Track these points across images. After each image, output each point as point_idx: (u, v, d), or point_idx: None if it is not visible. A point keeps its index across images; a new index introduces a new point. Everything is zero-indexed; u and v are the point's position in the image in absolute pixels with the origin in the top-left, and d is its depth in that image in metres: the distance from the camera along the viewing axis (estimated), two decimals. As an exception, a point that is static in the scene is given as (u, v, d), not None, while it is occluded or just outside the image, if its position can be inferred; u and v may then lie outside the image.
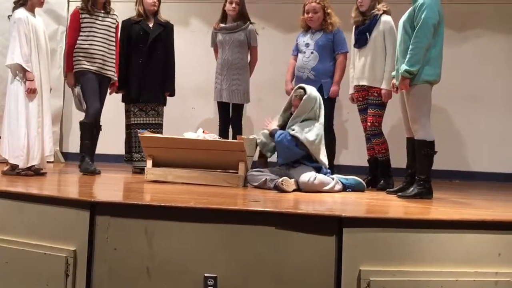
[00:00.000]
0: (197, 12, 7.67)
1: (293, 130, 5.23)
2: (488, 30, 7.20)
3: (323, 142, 5.32)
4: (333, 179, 5.20)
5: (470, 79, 7.17)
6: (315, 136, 5.22)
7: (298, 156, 5.25)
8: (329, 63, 5.94)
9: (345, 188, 5.24)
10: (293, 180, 5.02)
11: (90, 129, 5.91)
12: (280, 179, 4.93)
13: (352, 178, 5.33)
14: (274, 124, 5.44)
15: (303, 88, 5.40)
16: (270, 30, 7.45)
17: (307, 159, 5.25)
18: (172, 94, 6.50)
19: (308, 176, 5.03)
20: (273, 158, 5.58)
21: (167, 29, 6.43)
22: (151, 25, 6.36)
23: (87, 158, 5.84)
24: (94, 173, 5.74)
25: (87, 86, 5.88)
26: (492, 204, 4.73)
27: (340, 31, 5.96)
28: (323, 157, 5.30)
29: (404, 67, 4.65)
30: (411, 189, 4.76)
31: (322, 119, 5.37)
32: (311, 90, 5.40)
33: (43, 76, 5.47)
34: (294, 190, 4.97)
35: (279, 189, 4.88)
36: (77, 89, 5.89)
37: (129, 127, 6.39)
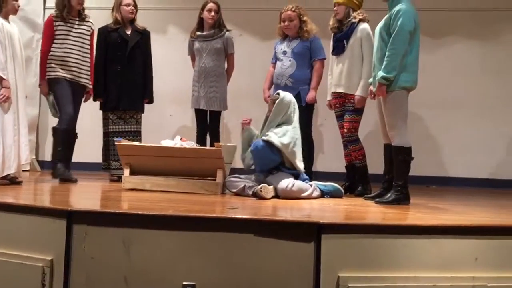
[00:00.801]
0: (174, 19, 7.67)
1: (266, 135, 5.24)
2: (463, 37, 7.29)
3: (298, 146, 5.33)
4: (311, 185, 5.21)
5: (445, 85, 7.24)
6: (289, 139, 5.22)
7: (275, 163, 5.24)
8: (307, 70, 5.98)
9: (323, 194, 5.25)
10: (271, 187, 5.02)
11: (63, 136, 5.86)
12: (259, 186, 4.93)
13: (330, 185, 5.35)
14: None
15: (278, 93, 5.44)
16: (247, 37, 7.47)
17: (284, 165, 5.26)
18: (150, 101, 6.48)
19: (286, 183, 5.03)
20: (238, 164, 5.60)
21: (144, 36, 6.42)
22: (128, 32, 6.33)
23: (60, 164, 5.79)
24: (70, 179, 5.70)
25: (60, 92, 5.83)
26: (468, 209, 4.77)
27: (317, 38, 6.00)
28: (299, 162, 5.31)
29: (380, 73, 4.68)
30: (389, 195, 4.79)
31: (296, 123, 5.38)
32: (285, 94, 5.43)
33: (18, 84, 5.42)
34: (272, 197, 4.97)
35: (257, 196, 4.88)
36: (51, 97, 5.84)
37: (107, 135, 6.35)
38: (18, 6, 5.58)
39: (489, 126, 7.17)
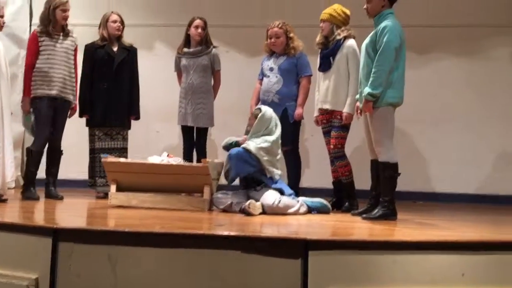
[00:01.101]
0: (161, 36, 7.67)
1: (245, 144, 5.30)
2: (449, 53, 7.33)
3: (275, 155, 5.36)
4: (298, 201, 5.20)
5: (432, 101, 7.27)
6: (266, 144, 5.27)
7: (250, 167, 5.26)
8: (293, 86, 5.99)
9: (311, 210, 5.25)
10: (259, 203, 5.01)
11: (37, 157, 5.81)
12: (247, 203, 4.92)
13: (318, 201, 5.35)
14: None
15: (259, 108, 5.47)
16: (234, 54, 7.47)
17: (262, 172, 5.27)
18: (137, 118, 6.46)
19: (273, 199, 5.03)
20: (236, 181, 5.58)
21: (131, 53, 6.42)
22: (115, 49, 6.33)
23: (30, 186, 5.75)
24: (36, 200, 5.64)
25: (40, 113, 5.77)
26: (455, 224, 4.78)
27: (303, 54, 6.02)
28: (276, 170, 5.33)
29: (367, 90, 4.70)
30: (376, 210, 4.79)
31: (276, 135, 5.40)
32: (267, 109, 5.48)
33: (3, 101, 5.37)
34: (260, 213, 4.96)
35: (245, 212, 4.87)
36: (33, 117, 5.79)
37: (93, 152, 6.31)
38: (4, 23, 5.56)
39: (476, 142, 7.21)
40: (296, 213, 5.11)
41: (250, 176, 5.35)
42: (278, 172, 5.39)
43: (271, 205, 5.00)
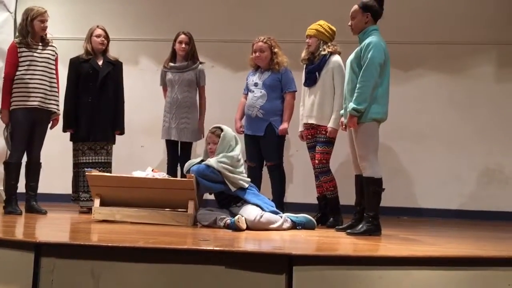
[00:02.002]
0: (146, 50, 7.67)
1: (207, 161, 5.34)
2: (432, 70, 7.40)
3: (238, 167, 5.38)
4: (281, 217, 5.20)
5: (415, 117, 7.33)
6: (225, 159, 5.29)
7: (216, 187, 5.30)
8: (278, 101, 6.00)
9: (296, 225, 5.24)
10: (244, 218, 5.00)
11: (15, 170, 5.75)
12: (236, 217, 4.91)
13: (302, 216, 5.35)
14: None
15: (219, 127, 5.48)
16: (219, 69, 7.49)
17: (228, 187, 5.28)
18: (122, 132, 6.43)
19: (254, 214, 5.03)
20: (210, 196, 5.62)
21: (116, 67, 6.39)
22: (100, 63, 6.30)
23: (12, 200, 5.71)
24: (18, 214, 5.59)
25: (17, 124, 5.72)
26: (439, 240, 4.78)
27: (287, 70, 6.04)
28: (242, 181, 5.34)
29: (351, 105, 4.72)
30: (360, 226, 4.79)
31: (237, 151, 5.42)
32: (227, 128, 5.51)
33: None
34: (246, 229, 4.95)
35: (233, 227, 4.86)
36: (6, 132, 5.74)
37: (77, 166, 6.26)
38: None
39: (459, 158, 7.26)
40: (279, 228, 5.10)
41: (224, 194, 5.36)
42: (246, 179, 5.39)
43: (253, 220, 5.00)
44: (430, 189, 7.29)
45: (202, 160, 5.46)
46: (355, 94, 4.74)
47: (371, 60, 4.72)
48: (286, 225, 5.18)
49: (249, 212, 5.07)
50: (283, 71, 6.01)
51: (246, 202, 5.22)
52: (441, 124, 7.34)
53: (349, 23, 4.96)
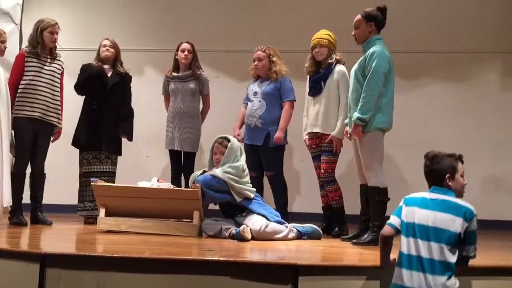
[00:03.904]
0: (152, 61, 7.69)
1: (213, 171, 5.33)
2: (437, 78, 7.39)
3: (243, 177, 5.38)
4: (286, 227, 5.19)
5: (420, 126, 7.31)
6: (230, 169, 5.30)
7: (222, 198, 5.31)
8: (277, 111, 5.99)
9: (301, 235, 5.23)
10: (249, 228, 4.99)
11: (20, 179, 5.76)
12: (241, 227, 4.91)
13: (309, 226, 5.33)
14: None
15: (226, 138, 5.49)
16: (223, 79, 7.50)
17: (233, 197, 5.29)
18: (130, 138, 6.38)
19: (260, 224, 5.02)
20: (215, 206, 5.62)
21: (125, 79, 6.37)
22: (109, 74, 6.30)
23: (18, 211, 5.71)
24: (24, 225, 5.61)
25: (20, 133, 5.73)
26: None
27: (287, 79, 6.03)
28: (247, 191, 5.35)
29: (356, 114, 4.72)
30: (365, 235, 4.78)
31: (242, 162, 5.43)
32: (233, 139, 5.53)
33: (3, 124, 5.36)
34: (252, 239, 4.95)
35: (238, 237, 4.85)
36: (12, 137, 5.73)
37: (83, 176, 6.26)
38: (5, 48, 5.59)
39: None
40: (284, 238, 5.09)
41: (229, 204, 5.36)
42: (251, 189, 5.40)
43: (258, 230, 4.99)
44: (436, 198, 7.25)
45: (204, 171, 5.46)
46: (360, 103, 4.74)
47: (376, 70, 4.72)
48: (292, 235, 5.17)
49: (254, 222, 5.06)
50: (282, 80, 6.00)
51: (252, 212, 5.22)
52: (447, 132, 7.31)
53: (353, 33, 4.96)
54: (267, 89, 6.02)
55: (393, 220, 3.49)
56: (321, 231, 5.39)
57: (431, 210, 3.39)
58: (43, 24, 5.84)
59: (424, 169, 3.66)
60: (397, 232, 3.48)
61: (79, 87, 6.25)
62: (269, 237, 5.01)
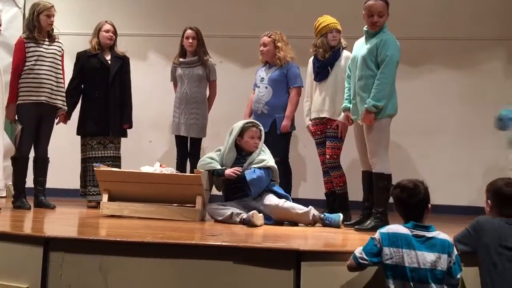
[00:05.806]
0: (155, 46, 7.67)
1: (263, 161, 5.34)
2: (442, 66, 7.37)
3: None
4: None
5: (424, 113, 7.29)
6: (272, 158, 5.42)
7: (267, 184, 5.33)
8: (283, 97, 5.99)
9: (324, 220, 5.09)
10: (261, 214, 4.98)
11: (23, 164, 5.77)
12: (251, 213, 4.90)
13: (336, 214, 5.20)
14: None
15: (257, 125, 5.50)
16: (227, 64, 7.47)
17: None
18: (130, 126, 6.42)
19: (278, 199, 5.03)
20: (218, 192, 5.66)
21: (125, 62, 6.38)
22: (108, 58, 6.29)
23: (21, 195, 5.71)
24: (27, 209, 5.60)
25: (25, 119, 5.71)
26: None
27: (294, 65, 6.01)
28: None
29: (371, 102, 4.67)
30: (368, 222, 4.78)
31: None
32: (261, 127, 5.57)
33: None
34: (261, 225, 4.94)
35: (248, 223, 4.85)
36: (19, 127, 5.71)
37: (86, 161, 6.25)
38: (0, 31, 5.55)
39: (468, 154, 7.22)
40: (303, 217, 5.05)
41: (232, 185, 5.37)
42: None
43: (277, 204, 5.03)
44: (439, 185, 7.16)
45: (219, 150, 5.54)
46: (374, 91, 4.69)
47: (390, 58, 4.69)
48: (312, 213, 5.09)
49: (273, 198, 5.10)
50: (289, 66, 5.98)
51: (267, 191, 5.25)
52: (450, 119, 7.31)
53: (375, 20, 4.78)
54: (273, 75, 6.00)
55: (360, 255, 3.38)
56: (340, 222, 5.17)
57: (418, 251, 3.33)
58: (39, 7, 5.81)
59: (406, 201, 3.62)
60: (360, 268, 3.41)
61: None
62: (288, 212, 5.04)
